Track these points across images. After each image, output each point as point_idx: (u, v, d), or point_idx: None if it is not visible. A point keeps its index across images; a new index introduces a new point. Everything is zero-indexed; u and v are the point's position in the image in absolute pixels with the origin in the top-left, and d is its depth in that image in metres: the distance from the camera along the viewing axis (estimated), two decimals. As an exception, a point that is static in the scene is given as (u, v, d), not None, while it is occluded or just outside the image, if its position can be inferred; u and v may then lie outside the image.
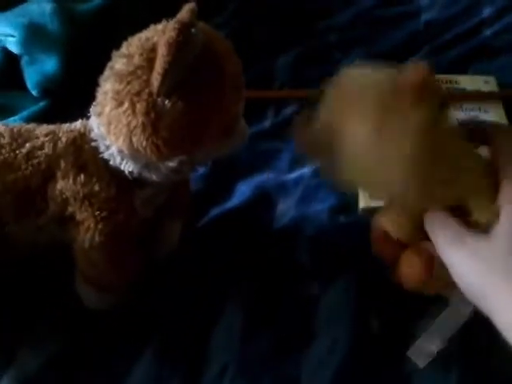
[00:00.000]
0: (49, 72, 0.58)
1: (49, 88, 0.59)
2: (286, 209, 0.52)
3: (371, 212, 0.50)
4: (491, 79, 0.63)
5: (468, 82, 0.62)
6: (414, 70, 0.32)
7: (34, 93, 0.59)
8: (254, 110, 0.42)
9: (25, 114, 0.57)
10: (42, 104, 0.59)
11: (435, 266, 0.36)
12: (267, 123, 0.59)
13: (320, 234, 0.50)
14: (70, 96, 0.58)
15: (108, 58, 0.37)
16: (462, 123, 0.39)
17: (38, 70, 0.58)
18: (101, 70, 0.38)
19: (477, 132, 0.37)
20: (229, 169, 0.54)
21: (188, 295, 0.46)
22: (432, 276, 0.37)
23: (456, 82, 0.62)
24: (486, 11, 0.70)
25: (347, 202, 0.52)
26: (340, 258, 0.48)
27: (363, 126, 0.33)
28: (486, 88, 0.62)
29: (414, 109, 0.32)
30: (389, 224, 0.39)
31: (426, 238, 0.37)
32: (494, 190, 0.34)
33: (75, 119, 0.42)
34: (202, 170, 0.52)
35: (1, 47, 0.60)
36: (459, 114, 0.59)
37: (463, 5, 0.71)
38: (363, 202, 0.51)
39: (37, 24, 0.58)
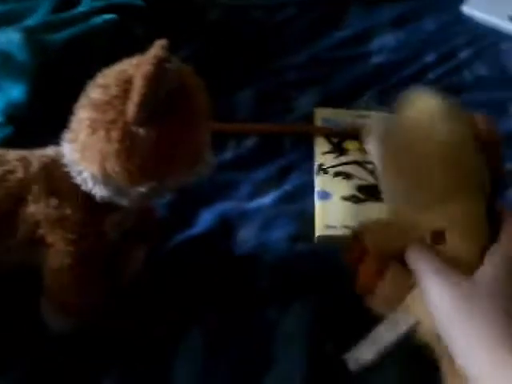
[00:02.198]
0: (14, 99, 0.58)
1: (14, 115, 0.59)
2: (246, 236, 0.54)
3: (327, 240, 0.53)
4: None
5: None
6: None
7: (-1, 119, 0.60)
8: (215, 142, 0.43)
9: (-12, 140, 0.58)
10: (5, 131, 0.59)
11: (390, 283, 0.40)
12: (228, 155, 0.62)
13: (279, 261, 0.52)
14: (34, 124, 0.59)
15: (75, 88, 0.38)
16: None
17: (4, 97, 0.59)
18: (67, 99, 0.38)
19: None
20: (192, 198, 0.55)
21: (149, 321, 0.46)
22: (378, 281, 0.40)
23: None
24: (429, 57, 0.76)
25: (304, 231, 0.55)
26: (297, 284, 0.50)
27: None
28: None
29: None
30: (371, 241, 0.41)
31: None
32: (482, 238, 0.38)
33: (39, 146, 0.43)
34: (167, 197, 0.54)
35: (-34, 75, 0.61)
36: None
37: (409, 50, 0.77)
38: (319, 230, 0.54)
39: (4, 52, 0.58)
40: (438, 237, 0.39)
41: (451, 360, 0.35)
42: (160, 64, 0.35)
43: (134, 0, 0.69)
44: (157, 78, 0.35)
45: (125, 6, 0.68)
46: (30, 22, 0.62)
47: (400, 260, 0.39)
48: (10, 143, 0.54)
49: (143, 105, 0.35)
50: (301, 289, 0.50)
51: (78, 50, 0.62)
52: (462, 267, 0.36)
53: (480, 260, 0.36)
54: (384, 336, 0.39)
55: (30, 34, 0.58)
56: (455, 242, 0.38)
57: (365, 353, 0.39)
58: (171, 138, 0.37)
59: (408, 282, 0.39)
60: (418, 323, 0.38)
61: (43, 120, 0.57)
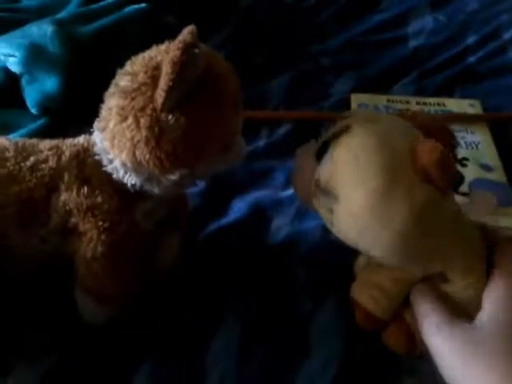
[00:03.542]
0: (48, 91, 0.59)
1: (48, 106, 0.60)
2: (280, 225, 0.53)
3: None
4: (476, 102, 0.65)
5: (454, 104, 0.65)
6: (432, 149, 0.33)
7: (34, 111, 0.60)
8: (248, 130, 0.43)
9: (24, 131, 0.58)
10: (40, 122, 0.60)
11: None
12: (262, 143, 0.61)
13: (313, 251, 0.51)
14: (68, 114, 0.59)
15: (106, 78, 0.39)
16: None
17: (38, 88, 0.60)
18: (99, 89, 0.39)
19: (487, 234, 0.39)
20: (226, 186, 0.55)
21: (186, 310, 0.46)
22: (416, 347, 0.40)
23: (443, 104, 0.65)
24: (471, 39, 0.73)
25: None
26: (332, 275, 0.49)
27: (369, 184, 0.34)
28: (471, 111, 0.64)
29: (423, 184, 0.34)
30: (366, 301, 0.41)
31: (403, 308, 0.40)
32: (482, 272, 0.37)
33: (73, 137, 0.43)
34: (200, 186, 0.54)
35: (2, 67, 0.62)
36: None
37: (449, 32, 0.74)
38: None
39: (38, 45, 0.59)
40: (441, 278, 0.38)
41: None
42: (187, 49, 0.34)
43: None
44: (184, 63, 0.34)
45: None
46: (62, 14, 0.63)
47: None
48: (45, 134, 0.55)
49: (171, 90, 0.34)
50: (336, 279, 0.48)
51: (109, 41, 0.62)
52: (468, 306, 0.36)
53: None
54: None
55: (62, 27, 0.59)
56: (457, 281, 0.38)
57: None
58: (201, 124, 0.37)
59: None
60: None
61: (77, 110, 0.57)
